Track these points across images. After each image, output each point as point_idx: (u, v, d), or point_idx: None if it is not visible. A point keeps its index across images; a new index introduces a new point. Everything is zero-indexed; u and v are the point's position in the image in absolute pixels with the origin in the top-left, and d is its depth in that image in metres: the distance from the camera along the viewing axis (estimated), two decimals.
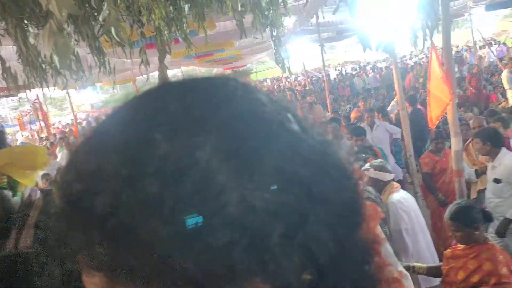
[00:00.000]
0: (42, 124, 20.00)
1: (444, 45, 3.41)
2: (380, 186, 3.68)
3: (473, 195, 4.61)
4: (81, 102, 27.75)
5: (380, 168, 3.77)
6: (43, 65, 2.87)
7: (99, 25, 2.67)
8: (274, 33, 4.24)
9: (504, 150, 3.99)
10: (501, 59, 17.51)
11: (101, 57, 2.88)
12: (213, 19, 6.18)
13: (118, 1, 2.13)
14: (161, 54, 3.47)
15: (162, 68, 3.45)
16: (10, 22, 2.77)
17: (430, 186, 4.83)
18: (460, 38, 33.98)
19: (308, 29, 13.78)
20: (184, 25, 3.08)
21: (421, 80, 14.64)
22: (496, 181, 3.92)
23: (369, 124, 6.99)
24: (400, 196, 3.65)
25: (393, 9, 3.91)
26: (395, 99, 8.09)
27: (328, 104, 11.26)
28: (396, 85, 5.92)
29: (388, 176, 3.73)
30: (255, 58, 21.95)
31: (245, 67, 22.70)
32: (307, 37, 15.53)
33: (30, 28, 3.06)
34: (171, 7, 2.72)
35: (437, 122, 3.84)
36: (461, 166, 3.51)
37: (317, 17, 10.98)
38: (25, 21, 3.05)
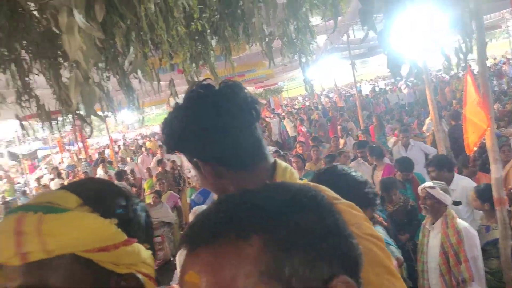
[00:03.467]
0: (81, 145, 20.61)
1: (480, 69, 3.26)
2: (439, 209, 3.46)
3: None
4: (117, 122, 28.38)
5: (445, 190, 3.55)
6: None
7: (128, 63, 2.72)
8: (303, 60, 4.21)
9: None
10: None
11: (130, 93, 2.93)
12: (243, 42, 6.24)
13: (142, 45, 2.17)
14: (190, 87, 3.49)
15: None
16: (45, 62, 2.85)
17: None
18: (497, 48, 32.96)
19: (339, 47, 13.73)
20: (212, 58, 3.10)
21: (458, 94, 14.06)
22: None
23: (404, 145, 6.83)
24: (466, 223, 3.47)
25: (423, 29, 3.79)
26: (429, 117, 7.87)
27: (361, 121, 11.10)
28: (430, 105, 5.75)
29: (449, 200, 3.52)
30: (286, 76, 22.01)
31: (276, 85, 22.76)
32: (338, 54, 15.45)
33: (65, 64, 3.14)
34: (198, 43, 2.74)
35: (475, 148, 3.67)
36: (502, 194, 3.31)
37: (348, 35, 10.92)
38: (60, 60, 3.14)
